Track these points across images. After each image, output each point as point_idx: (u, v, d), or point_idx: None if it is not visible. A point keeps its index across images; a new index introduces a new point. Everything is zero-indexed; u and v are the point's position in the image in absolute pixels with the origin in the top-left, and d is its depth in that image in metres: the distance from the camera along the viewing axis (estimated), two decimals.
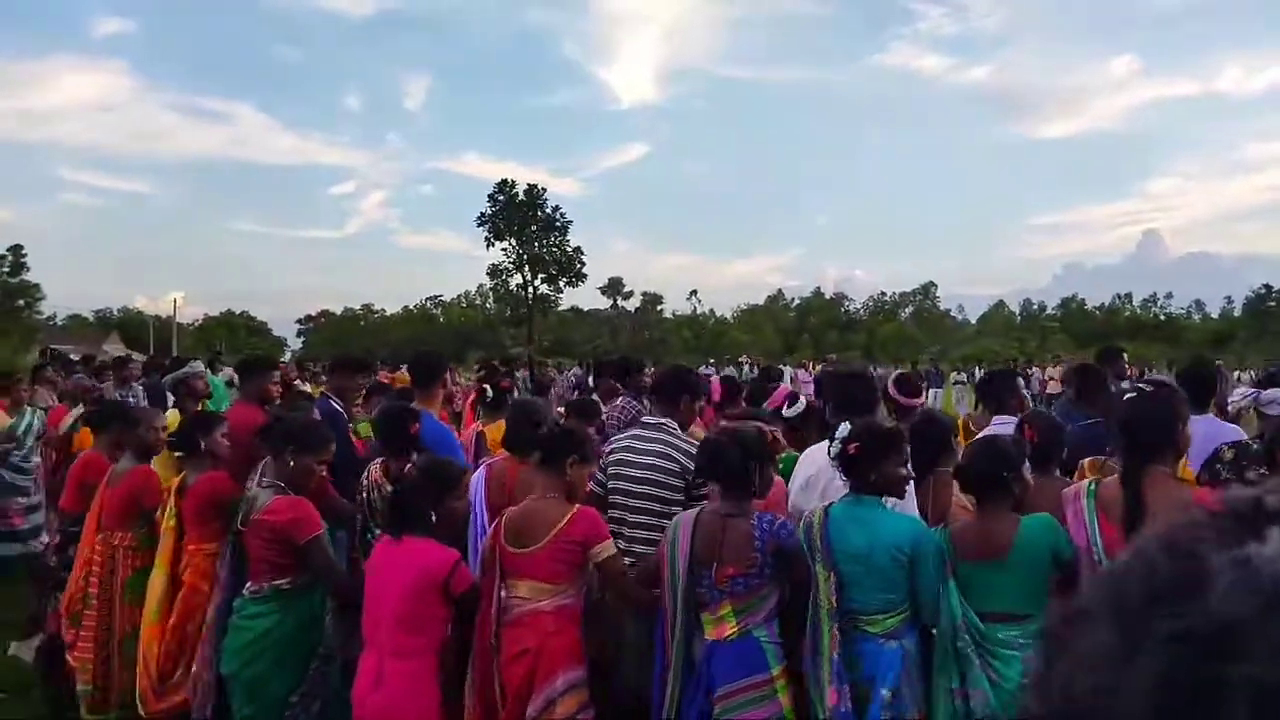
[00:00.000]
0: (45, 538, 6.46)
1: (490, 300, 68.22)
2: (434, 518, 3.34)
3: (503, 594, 3.27)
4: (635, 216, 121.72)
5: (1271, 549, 0.45)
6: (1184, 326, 75.37)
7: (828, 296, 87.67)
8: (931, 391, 22.32)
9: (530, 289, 55.80)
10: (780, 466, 3.87)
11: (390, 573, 3.25)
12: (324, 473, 3.82)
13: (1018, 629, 2.91)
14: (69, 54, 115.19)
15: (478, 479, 4.05)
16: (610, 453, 4.00)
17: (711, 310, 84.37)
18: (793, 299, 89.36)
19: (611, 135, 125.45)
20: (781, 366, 14.95)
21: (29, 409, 6.92)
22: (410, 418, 4.14)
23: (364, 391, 6.10)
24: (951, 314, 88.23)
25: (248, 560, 3.68)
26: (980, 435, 4.02)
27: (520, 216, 54.85)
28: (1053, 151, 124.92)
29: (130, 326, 66.56)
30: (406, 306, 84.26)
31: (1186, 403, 3.21)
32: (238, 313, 79.05)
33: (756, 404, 5.06)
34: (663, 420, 4.03)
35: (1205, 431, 3.57)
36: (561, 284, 56.28)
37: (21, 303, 52.47)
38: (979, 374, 22.95)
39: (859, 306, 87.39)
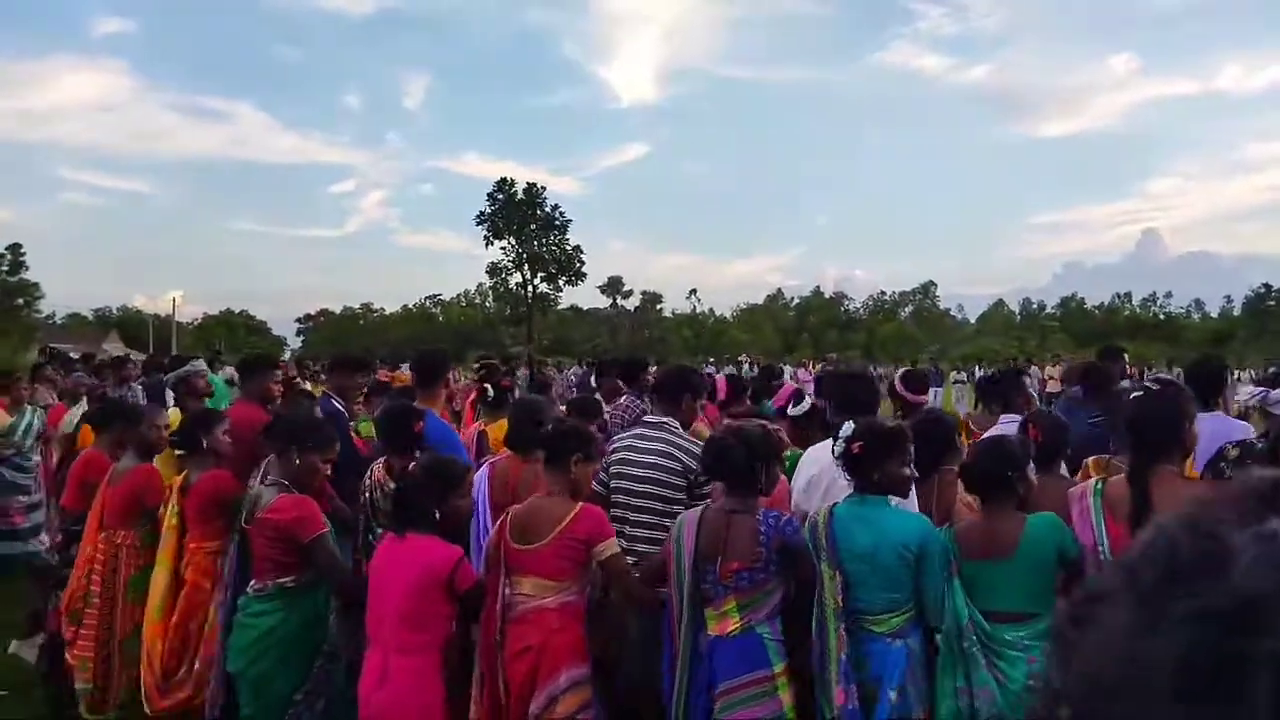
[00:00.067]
0: (45, 537, 6.45)
1: (490, 299, 68.31)
2: (438, 516, 3.34)
3: (507, 591, 3.28)
4: (635, 216, 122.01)
5: None
6: (1184, 326, 75.43)
7: (827, 296, 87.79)
8: (931, 391, 22.29)
9: (530, 288, 55.79)
10: (784, 465, 3.86)
11: (394, 570, 3.25)
12: (328, 471, 3.82)
13: (1024, 629, 2.91)
14: (69, 54, 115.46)
15: (481, 478, 4.05)
16: (613, 452, 4.00)
17: (711, 310, 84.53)
18: (792, 298, 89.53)
19: (611, 134, 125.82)
20: (781, 366, 14.97)
21: (29, 407, 6.91)
22: (414, 416, 4.14)
23: (365, 391, 6.09)
24: (951, 313, 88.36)
25: (252, 558, 3.67)
26: (987, 434, 4.03)
27: (520, 215, 54.83)
28: (1052, 151, 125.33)
29: (129, 325, 66.45)
30: (406, 305, 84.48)
31: (1193, 401, 3.21)
32: (237, 312, 79.02)
33: (760, 402, 5.06)
34: (665, 419, 4.03)
35: (1213, 429, 3.56)
36: (561, 283, 56.28)
37: (21, 301, 52.46)
38: (978, 373, 23.01)
39: (859, 306, 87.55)
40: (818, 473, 3.66)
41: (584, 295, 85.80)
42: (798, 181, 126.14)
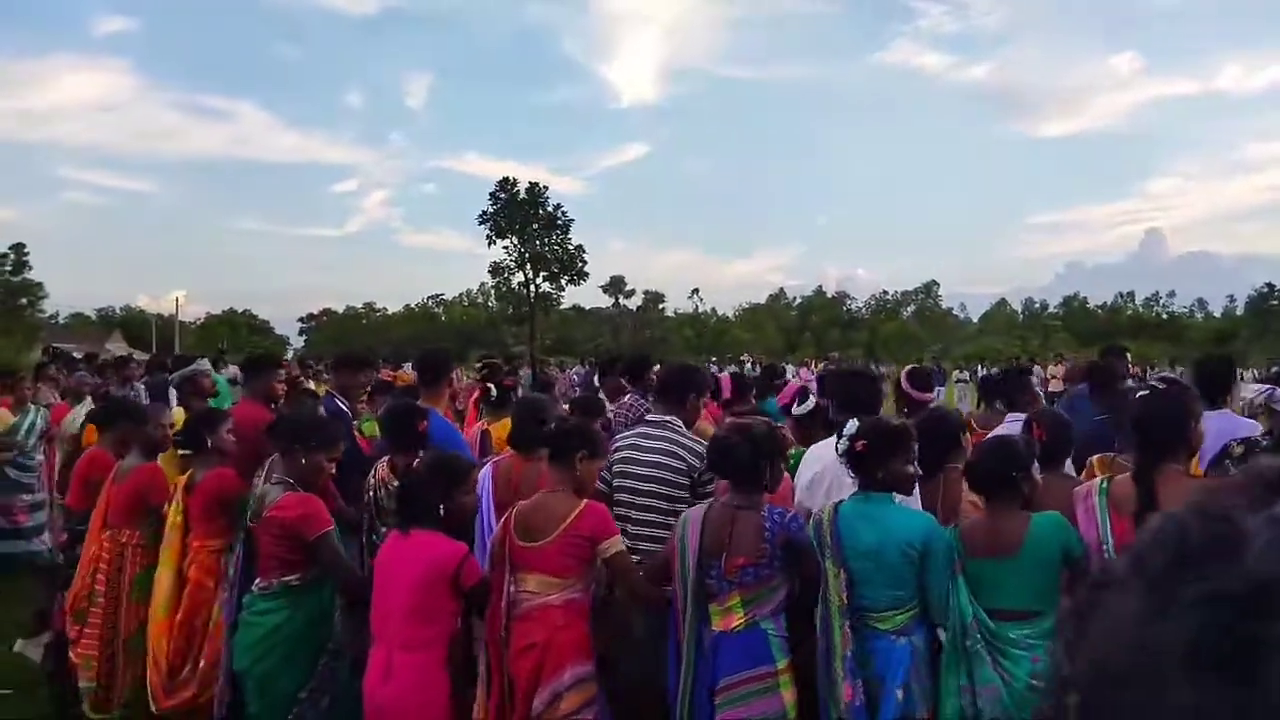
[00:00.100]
0: (48, 536, 6.46)
1: (492, 299, 68.15)
2: (443, 512, 3.34)
3: (512, 588, 3.27)
4: (636, 215, 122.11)
5: None
6: (1186, 325, 75.33)
7: (829, 295, 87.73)
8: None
9: (532, 287, 55.69)
10: (789, 463, 3.86)
11: (399, 566, 3.25)
12: (332, 470, 3.82)
13: (1028, 627, 2.91)
14: (70, 53, 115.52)
15: (485, 476, 4.05)
16: (616, 450, 4.00)
17: (713, 309, 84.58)
18: (794, 298, 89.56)
19: (613, 134, 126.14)
20: (784, 365, 14.96)
21: (33, 407, 6.92)
22: (418, 415, 4.14)
23: (368, 390, 6.08)
24: (954, 312, 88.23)
25: (257, 556, 3.68)
26: (993, 433, 4.02)
27: (522, 215, 54.72)
28: (1054, 150, 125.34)
29: (132, 325, 66.48)
30: (408, 305, 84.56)
31: (1199, 400, 3.21)
32: (240, 311, 79.00)
33: (764, 400, 5.05)
34: (668, 418, 4.03)
35: (1219, 427, 3.54)
36: (563, 282, 56.15)
37: (24, 301, 52.50)
38: (980, 372, 22.99)
39: (861, 305, 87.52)
40: (820, 470, 3.66)
41: (586, 295, 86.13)
42: (799, 181, 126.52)
